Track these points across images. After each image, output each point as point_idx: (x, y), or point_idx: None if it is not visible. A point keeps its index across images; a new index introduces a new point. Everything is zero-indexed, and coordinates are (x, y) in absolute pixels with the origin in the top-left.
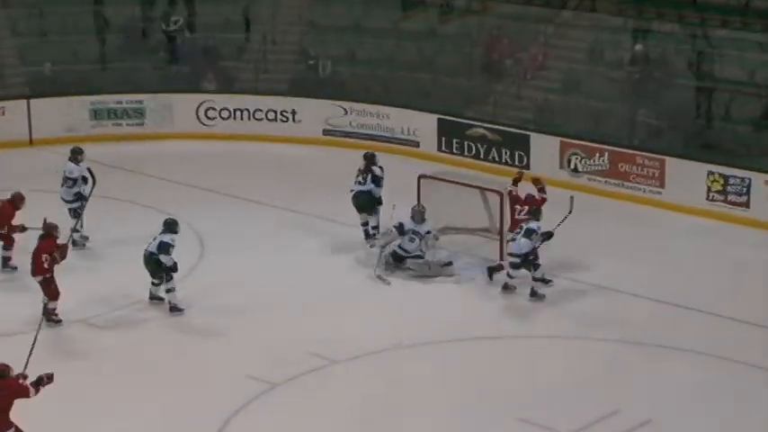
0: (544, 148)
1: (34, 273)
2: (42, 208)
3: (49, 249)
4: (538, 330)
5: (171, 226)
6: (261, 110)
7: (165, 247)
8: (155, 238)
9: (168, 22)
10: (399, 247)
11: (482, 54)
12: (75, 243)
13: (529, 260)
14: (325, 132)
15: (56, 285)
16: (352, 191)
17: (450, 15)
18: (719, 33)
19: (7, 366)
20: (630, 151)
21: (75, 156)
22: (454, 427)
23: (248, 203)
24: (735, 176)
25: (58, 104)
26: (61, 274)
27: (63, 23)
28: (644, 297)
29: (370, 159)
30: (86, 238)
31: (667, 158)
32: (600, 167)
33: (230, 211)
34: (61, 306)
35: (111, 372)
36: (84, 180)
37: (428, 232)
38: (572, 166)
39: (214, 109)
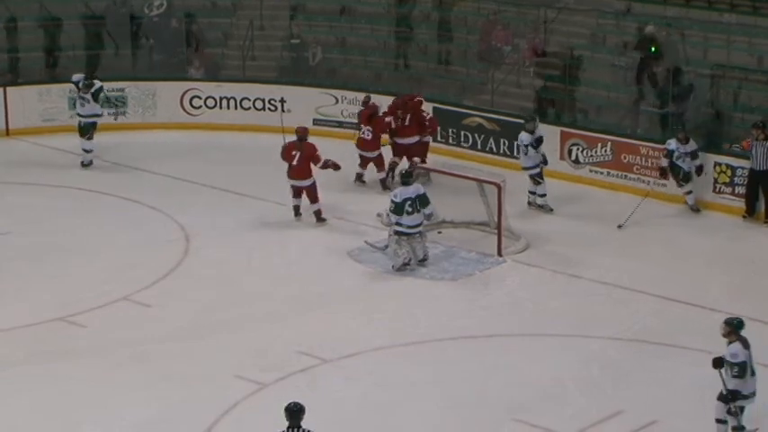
0: (544, 138)
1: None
2: (21, 200)
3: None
4: (537, 328)
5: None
6: (248, 98)
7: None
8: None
9: (151, 6)
10: None
11: (479, 41)
12: (540, 206)
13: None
14: (316, 122)
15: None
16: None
17: (446, 0)
18: (728, 19)
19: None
20: (634, 142)
21: (530, 124)
22: (450, 428)
23: (235, 196)
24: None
25: (36, 92)
26: (37, 270)
27: (40, 8)
28: (649, 294)
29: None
30: (549, 208)
31: None
32: (602, 158)
33: (217, 204)
34: (38, 305)
35: (94, 372)
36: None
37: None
38: (573, 158)
39: (199, 98)
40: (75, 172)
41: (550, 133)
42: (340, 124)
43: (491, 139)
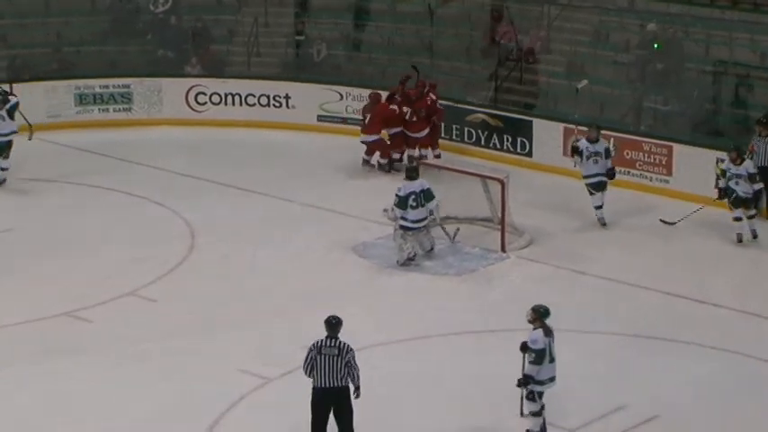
0: (547, 135)
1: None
2: (26, 196)
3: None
4: None
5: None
6: (253, 95)
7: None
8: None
9: (156, 2)
10: None
11: (483, 37)
12: (597, 219)
13: None
14: (320, 118)
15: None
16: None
17: None
18: (730, 16)
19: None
20: (637, 138)
21: (597, 132)
22: (454, 422)
23: (240, 192)
24: None
25: (42, 89)
26: (43, 266)
27: (46, 5)
28: (652, 289)
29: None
30: (602, 222)
31: (675, 145)
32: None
33: (221, 200)
34: (43, 301)
35: (99, 368)
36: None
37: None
38: None
39: (204, 94)
40: (80, 168)
41: (553, 129)
42: (344, 120)
43: (494, 136)
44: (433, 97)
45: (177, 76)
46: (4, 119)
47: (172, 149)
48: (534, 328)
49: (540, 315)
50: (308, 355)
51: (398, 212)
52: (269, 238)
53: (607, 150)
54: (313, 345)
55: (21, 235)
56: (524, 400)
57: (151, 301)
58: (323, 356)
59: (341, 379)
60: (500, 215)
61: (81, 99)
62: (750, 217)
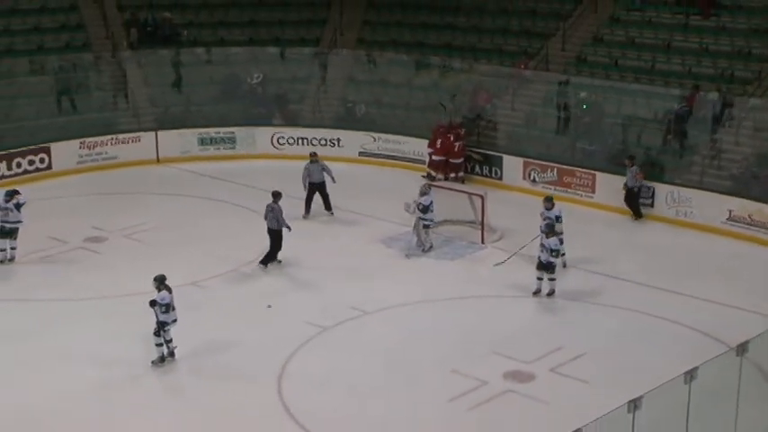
0: (512, 166)
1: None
2: (166, 205)
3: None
4: (508, 292)
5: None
6: (316, 138)
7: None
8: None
9: (252, 77)
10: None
11: (470, 100)
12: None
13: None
14: (361, 154)
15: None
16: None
17: (449, 73)
18: (634, 87)
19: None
20: (571, 167)
21: (551, 203)
22: (448, 355)
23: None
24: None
25: (177, 134)
26: (176, 251)
27: (178, 77)
28: (581, 269)
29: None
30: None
31: (597, 173)
32: (550, 179)
33: (294, 207)
34: (176, 274)
35: (213, 319)
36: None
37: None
38: (531, 178)
39: (284, 138)
40: (201, 187)
41: (516, 162)
42: (377, 156)
43: (477, 166)
44: (462, 133)
45: (266, 126)
46: (12, 211)
47: (262, 175)
48: (159, 290)
49: (160, 281)
50: (266, 213)
51: (420, 214)
52: (327, 234)
53: (558, 217)
54: (266, 206)
55: (163, 231)
56: (154, 336)
57: (248, 275)
58: (270, 212)
59: (276, 224)
60: (480, 219)
61: (202, 141)
62: (551, 279)
